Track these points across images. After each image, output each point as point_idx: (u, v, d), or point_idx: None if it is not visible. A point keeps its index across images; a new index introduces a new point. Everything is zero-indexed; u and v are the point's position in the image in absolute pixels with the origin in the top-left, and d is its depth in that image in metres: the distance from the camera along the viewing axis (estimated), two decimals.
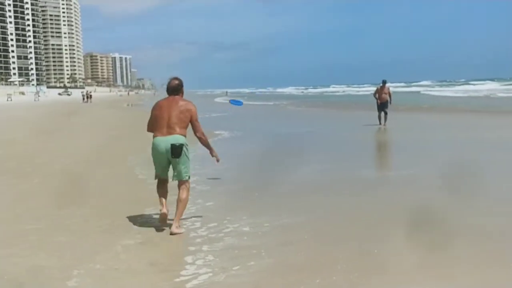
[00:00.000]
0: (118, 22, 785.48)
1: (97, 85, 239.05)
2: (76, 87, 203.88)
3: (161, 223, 6.20)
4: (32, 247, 5.50)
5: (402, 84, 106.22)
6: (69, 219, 6.70)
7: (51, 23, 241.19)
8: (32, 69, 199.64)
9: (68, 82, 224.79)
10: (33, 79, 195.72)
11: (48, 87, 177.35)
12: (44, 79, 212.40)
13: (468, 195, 7.81)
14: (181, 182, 6.20)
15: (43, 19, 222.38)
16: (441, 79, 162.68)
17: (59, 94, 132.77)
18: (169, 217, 6.19)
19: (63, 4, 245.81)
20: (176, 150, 5.99)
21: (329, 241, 5.69)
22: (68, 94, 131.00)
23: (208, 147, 6.70)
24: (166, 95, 6.32)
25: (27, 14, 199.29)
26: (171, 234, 5.89)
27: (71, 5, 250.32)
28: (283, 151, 13.82)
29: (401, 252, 5.20)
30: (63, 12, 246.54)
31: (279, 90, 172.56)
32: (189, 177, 6.24)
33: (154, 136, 6.19)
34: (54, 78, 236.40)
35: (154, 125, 6.22)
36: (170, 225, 6.03)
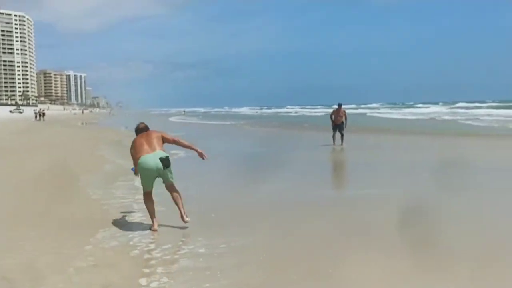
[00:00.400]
0: (72, 39, 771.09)
1: (50, 103, 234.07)
2: (28, 104, 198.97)
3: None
4: None
5: (353, 106, 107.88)
6: (20, 240, 6.52)
7: (2, 39, 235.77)
8: None
9: (20, 100, 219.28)
10: None
11: None
12: None
13: (422, 212, 7.98)
14: (172, 185, 7.51)
15: None
16: (391, 101, 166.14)
17: (10, 111, 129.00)
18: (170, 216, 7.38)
19: (15, 20, 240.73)
20: (166, 161, 7.22)
21: (284, 261, 5.71)
22: (20, 112, 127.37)
23: (190, 147, 7.86)
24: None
25: None
26: (185, 222, 7.25)
27: (24, 21, 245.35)
28: (240, 171, 13.83)
29: (356, 272, 5.26)
30: (16, 28, 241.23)
31: (234, 109, 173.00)
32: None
33: (139, 157, 7.17)
34: (6, 95, 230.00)
35: (138, 152, 7.26)
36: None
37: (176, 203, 7.45)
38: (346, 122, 20.99)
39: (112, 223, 7.45)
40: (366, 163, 15.68)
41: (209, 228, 7.12)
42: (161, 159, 7.16)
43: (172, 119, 76.63)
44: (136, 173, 7.66)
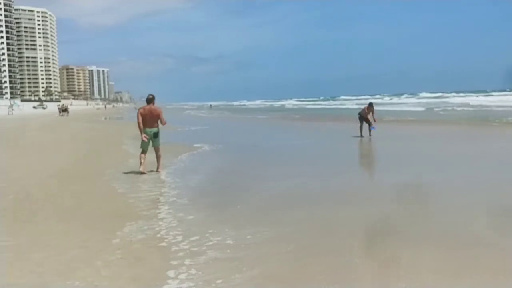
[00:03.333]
0: (94, 35, 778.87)
1: (73, 98, 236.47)
2: (51, 100, 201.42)
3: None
4: (9, 264, 5.37)
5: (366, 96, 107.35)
6: (47, 234, 6.57)
7: (25, 35, 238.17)
8: (5, 82, 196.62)
9: (43, 95, 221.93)
10: (6, 92, 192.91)
11: (22, 101, 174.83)
12: (19, 92, 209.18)
13: (451, 204, 7.86)
14: (158, 148, 12.04)
15: (17, 31, 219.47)
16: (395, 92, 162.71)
17: (34, 107, 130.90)
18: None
19: (38, 16, 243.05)
20: (157, 134, 11.94)
21: (311, 253, 5.66)
22: (43, 108, 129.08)
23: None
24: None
25: (1, 26, 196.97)
26: (157, 171, 11.68)
27: (46, 17, 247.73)
28: (266, 164, 13.80)
29: (382, 263, 5.19)
30: (38, 25, 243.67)
31: (252, 103, 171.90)
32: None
33: (144, 127, 11.76)
34: (29, 91, 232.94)
35: (143, 122, 11.72)
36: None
37: (158, 161, 11.98)
38: (373, 118, 21.71)
39: (139, 216, 7.46)
40: (404, 152, 15.52)
41: (236, 220, 7.09)
42: (154, 133, 11.84)
43: (204, 114, 76.81)
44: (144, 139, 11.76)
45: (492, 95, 78.11)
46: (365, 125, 21.52)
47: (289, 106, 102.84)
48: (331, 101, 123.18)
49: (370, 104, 22.22)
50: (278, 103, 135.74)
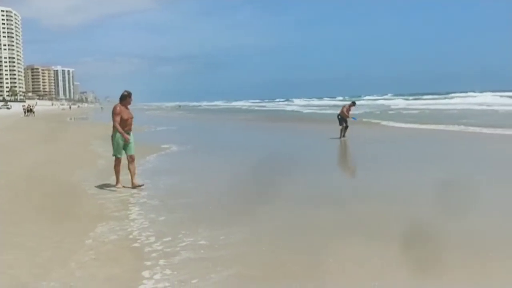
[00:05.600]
0: (60, 35, 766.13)
1: (38, 99, 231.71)
2: (16, 100, 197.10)
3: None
4: None
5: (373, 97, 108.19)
6: (19, 236, 6.51)
7: None
8: None
9: (7, 96, 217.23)
10: None
11: None
12: None
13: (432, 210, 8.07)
14: (133, 156, 9.98)
15: None
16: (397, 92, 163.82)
17: None
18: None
19: (2, 15, 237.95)
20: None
21: (285, 252, 5.76)
22: (8, 108, 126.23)
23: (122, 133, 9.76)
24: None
25: None
26: (137, 186, 9.72)
27: (11, 16, 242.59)
28: (236, 164, 13.85)
29: (356, 262, 5.33)
30: (3, 24, 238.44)
31: (231, 104, 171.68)
32: None
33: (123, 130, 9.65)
34: None
35: (123, 126, 9.68)
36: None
37: (133, 171, 9.91)
38: (349, 117, 21.65)
39: (110, 217, 7.46)
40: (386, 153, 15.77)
41: (208, 221, 7.15)
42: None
43: (171, 114, 76.34)
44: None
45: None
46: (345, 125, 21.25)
47: (244, 107, 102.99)
48: (294, 101, 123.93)
49: (353, 103, 22.20)
50: (249, 103, 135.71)
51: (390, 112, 50.93)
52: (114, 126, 9.68)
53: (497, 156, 14.89)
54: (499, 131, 22.77)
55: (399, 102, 78.73)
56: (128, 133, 9.81)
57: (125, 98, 9.79)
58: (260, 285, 4.72)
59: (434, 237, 6.18)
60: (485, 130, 23.41)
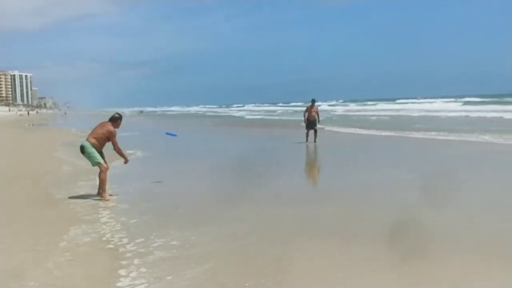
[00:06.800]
0: (18, 38, 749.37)
1: None
2: None
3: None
4: None
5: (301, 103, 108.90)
6: None
7: None
8: None
9: None
10: None
11: None
12: None
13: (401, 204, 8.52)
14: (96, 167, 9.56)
15: None
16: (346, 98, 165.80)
17: None
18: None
19: None
20: (81, 149, 9.48)
21: (254, 249, 6.11)
22: None
23: (122, 155, 9.99)
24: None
25: None
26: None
27: None
28: (203, 168, 14.09)
29: (321, 256, 5.71)
30: None
31: (187, 109, 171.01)
32: None
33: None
34: None
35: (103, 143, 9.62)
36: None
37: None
38: (319, 118, 21.56)
39: (81, 221, 7.64)
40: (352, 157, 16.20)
41: (178, 222, 7.44)
42: (81, 146, 9.46)
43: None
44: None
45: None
46: (311, 130, 21.11)
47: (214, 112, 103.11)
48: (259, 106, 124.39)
49: (313, 101, 21.65)
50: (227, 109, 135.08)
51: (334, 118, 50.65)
52: (116, 150, 9.69)
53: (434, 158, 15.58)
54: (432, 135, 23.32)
55: (339, 108, 79.72)
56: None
57: (116, 120, 9.78)
58: (233, 279, 5.03)
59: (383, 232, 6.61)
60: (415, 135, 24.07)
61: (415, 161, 15.04)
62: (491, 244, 6.20)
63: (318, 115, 21.46)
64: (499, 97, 74.24)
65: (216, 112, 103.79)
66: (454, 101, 72.26)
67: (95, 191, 9.79)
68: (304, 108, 22.29)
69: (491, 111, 43.78)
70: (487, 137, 21.11)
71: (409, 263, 5.45)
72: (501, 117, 36.61)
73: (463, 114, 43.67)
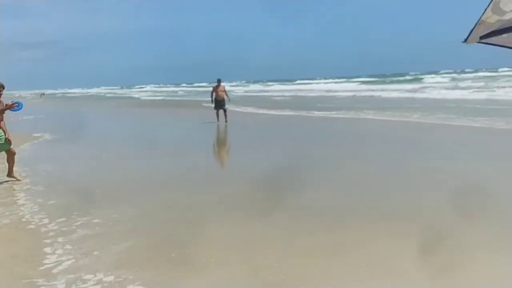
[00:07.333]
0: None
1: None
2: None
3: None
4: None
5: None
6: None
7: None
8: None
9: None
10: None
11: None
12: None
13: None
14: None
15: None
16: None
17: None
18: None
19: None
20: None
21: (172, 225, 6.52)
22: None
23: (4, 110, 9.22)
24: None
25: None
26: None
27: None
28: (116, 149, 14.09)
29: (226, 229, 6.17)
30: None
31: (89, 90, 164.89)
32: None
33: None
34: None
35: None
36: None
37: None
38: (227, 98, 21.76)
39: None
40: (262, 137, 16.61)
41: (98, 202, 7.62)
42: None
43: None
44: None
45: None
46: (221, 110, 21.37)
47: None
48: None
49: (219, 81, 21.66)
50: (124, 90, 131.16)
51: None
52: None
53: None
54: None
55: (240, 89, 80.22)
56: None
57: None
58: (156, 252, 5.36)
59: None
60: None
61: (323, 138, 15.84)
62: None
63: (226, 94, 21.77)
64: (386, 77, 79.14)
65: (116, 93, 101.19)
66: (346, 81, 75.20)
67: (5, 175, 9.64)
68: (211, 89, 22.45)
69: (379, 90, 47.22)
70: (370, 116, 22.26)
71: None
72: (371, 96, 40.21)
73: (352, 94, 45.56)
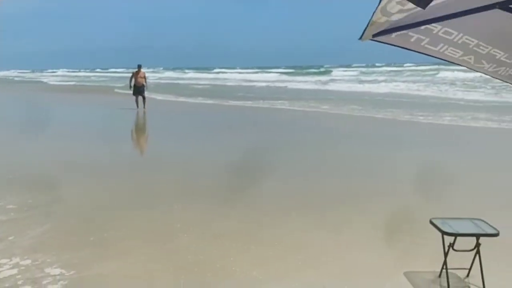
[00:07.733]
0: None
1: None
2: None
3: None
4: None
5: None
6: None
7: None
8: None
9: None
10: None
11: None
12: None
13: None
14: None
15: None
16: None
17: None
18: None
19: None
20: None
21: (88, 209, 6.60)
22: None
23: None
24: None
25: None
26: None
27: None
28: (24, 135, 13.70)
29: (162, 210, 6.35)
30: None
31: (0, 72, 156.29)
32: None
33: None
34: None
35: None
36: None
37: None
38: (146, 85, 21.40)
39: None
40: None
41: (12, 189, 7.55)
42: None
43: None
44: None
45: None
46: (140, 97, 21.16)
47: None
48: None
49: (139, 67, 21.43)
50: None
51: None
52: None
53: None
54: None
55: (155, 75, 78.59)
56: None
57: None
58: (74, 236, 5.45)
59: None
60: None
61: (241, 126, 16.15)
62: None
63: (145, 80, 21.41)
64: (302, 69, 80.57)
65: (25, 77, 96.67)
66: (261, 72, 75.91)
67: None
68: (129, 75, 22.13)
69: (296, 82, 48.26)
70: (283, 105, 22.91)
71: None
72: (285, 87, 40.44)
73: (267, 84, 46.18)
